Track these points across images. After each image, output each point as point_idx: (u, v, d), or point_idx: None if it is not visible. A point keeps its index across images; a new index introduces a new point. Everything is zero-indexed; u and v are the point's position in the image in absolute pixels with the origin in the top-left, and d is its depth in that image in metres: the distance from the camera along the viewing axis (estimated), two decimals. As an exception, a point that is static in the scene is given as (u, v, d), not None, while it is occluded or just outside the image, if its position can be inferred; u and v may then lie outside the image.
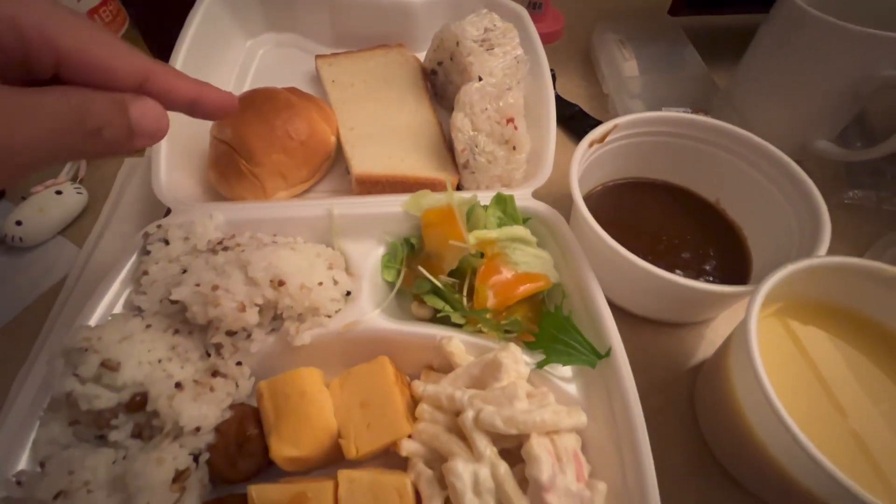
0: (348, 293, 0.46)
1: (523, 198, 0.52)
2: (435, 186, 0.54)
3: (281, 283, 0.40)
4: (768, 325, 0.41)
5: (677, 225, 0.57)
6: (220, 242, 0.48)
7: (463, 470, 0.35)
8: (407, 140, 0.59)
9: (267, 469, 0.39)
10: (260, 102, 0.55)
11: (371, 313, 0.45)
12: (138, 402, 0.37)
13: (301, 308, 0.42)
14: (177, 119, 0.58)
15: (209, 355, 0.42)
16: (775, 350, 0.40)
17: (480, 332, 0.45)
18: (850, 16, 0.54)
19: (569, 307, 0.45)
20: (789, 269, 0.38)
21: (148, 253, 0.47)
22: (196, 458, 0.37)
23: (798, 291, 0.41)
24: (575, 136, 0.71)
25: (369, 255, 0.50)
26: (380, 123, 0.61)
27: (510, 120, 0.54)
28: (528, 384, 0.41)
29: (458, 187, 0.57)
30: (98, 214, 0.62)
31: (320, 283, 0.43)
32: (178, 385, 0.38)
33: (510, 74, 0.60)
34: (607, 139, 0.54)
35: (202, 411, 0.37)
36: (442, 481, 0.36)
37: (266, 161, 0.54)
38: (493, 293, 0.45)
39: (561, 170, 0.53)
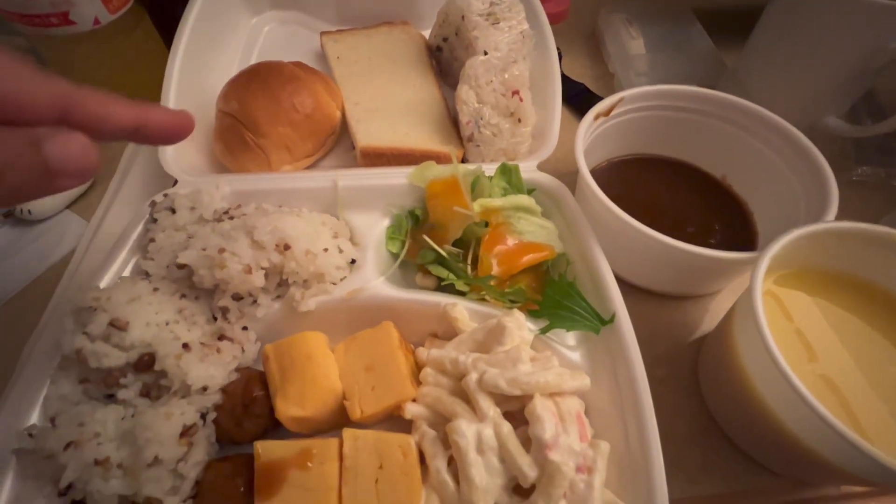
0: (353, 261, 0.47)
1: (528, 170, 0.52)
2: (440, 159, 0.54)
3: (286, 248, 0.40)
4: (773, 291, 0.41)
5: (683, 201, 0.57)
6: (226, 212, 0.48)
7: (466, 429, 0.35)
8: (412, 115, 0.59)
9: (273, 431, 0.40)
10: (265, 75, 0.55)
11: (376, 280, 0.45)
12: (146, 362, 0.37)
13: (306, 274, 0.42)
14: (182, 92, 0.59)
15: (216, 319, 0.42)
16: (780, 316, 0.40)
17: (484, 300, 0.45)
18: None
19: (573, 274, 0.45)
20: (795, 233, 0.38)
21: (155, 221, 0.47)
22: (203, 417, 0.37)
23: (803, 258, 0.41)
24: (580, 114, 0.70)
25: (374, 227, 0.50)
26: (385, 99, 0.61)
27: (515, 92, 0.54)
28: (532, 350, 0.41)
29: (463, 161, 0.57)
30: (105, 189, 0.62)
31: (325, 250, 0.43)
32: (186, 346, 0.38)
33: (516, 49, 0.60)
34: (613, 112, 0.54)
35: (209, 371, 0.38)
36: (445, 442, 0.37)
37: (271, 133, 0.54)
38: (498, 262, 0.45)
39: (566, 147, 0.53)
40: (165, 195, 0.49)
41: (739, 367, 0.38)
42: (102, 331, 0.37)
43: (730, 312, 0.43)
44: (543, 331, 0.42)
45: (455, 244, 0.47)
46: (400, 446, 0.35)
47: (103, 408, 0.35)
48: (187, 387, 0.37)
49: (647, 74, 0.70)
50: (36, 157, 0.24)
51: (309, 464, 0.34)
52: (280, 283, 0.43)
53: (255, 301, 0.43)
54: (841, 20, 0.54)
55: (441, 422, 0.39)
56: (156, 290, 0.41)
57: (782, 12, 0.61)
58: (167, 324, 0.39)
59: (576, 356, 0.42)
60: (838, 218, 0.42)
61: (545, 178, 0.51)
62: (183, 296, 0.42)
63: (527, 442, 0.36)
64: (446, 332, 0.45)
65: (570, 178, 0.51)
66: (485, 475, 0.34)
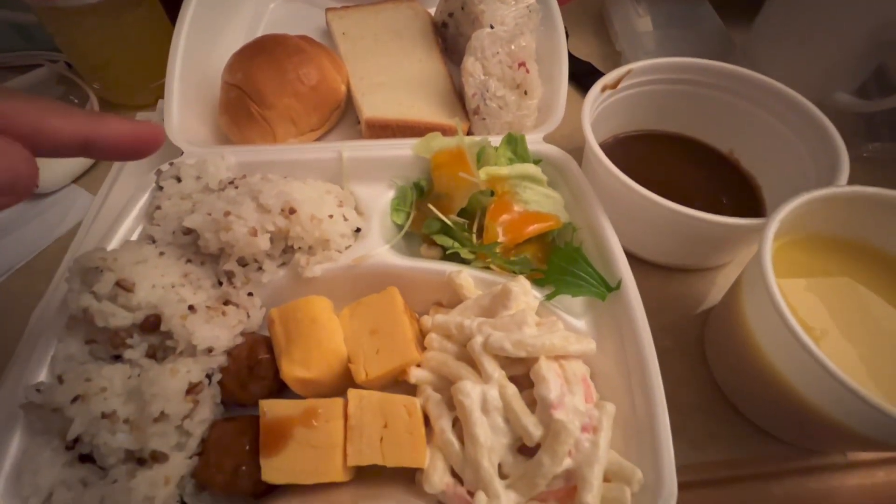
0: (358, 230, 0.47)
1: (534, 141, 0.51)
2: (445, 132, 0.54)
3: (292, 211, 0.40)
4: (781, 255, 0.40)
5: (689, 175, 0.57)
6: (232, 182, 0.48)
7: (471, 389, 0.35)
8: (417, 89, 0.59)
9: (278, 394, 0.40)
10: (271, 47, 0.55)
11: (381, 248, 0.45)
12: (152, 323, 0.37)
13: (311, 239, 0.42)
14: (187, 67, 0.59)
15: (221, 284, 0.42)
16: (787, 280, 0.39)
17: (489, 268, 0.45)
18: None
19: (579, 241, 0.45)
20: (805, 197, 0.37)
21: (160, 189, 0.47)
22: (209, 377, 0.37)
23: (812, 224, 0.40)
24: (586, 92, 0.70)
25: (379, 198, 0.50)
26: (390, 73, 0.61)
27: (521, 64, 0.53)
28: (537, 317, 0.41)
29: (469, 133, 0.57)
30: (111, 164, 0.62)
31: (330, 217, 0.43)
32: (191, 308, 0.38)
33: (522, 23, 0.59)
34: (620, 85, 0.54)
35: (214, 332, 0.38)
36: (450, 404, 0.37)
37: (277, 104, 0.54)
38: (503, 231, 0.45)
39: (572, 124, 0.52)
40: (171, 164, 0.49)
41: (747, 332, 0.38)
42: (109, 291, 0.37)
43: (738, 279, 0.43)
44: (549, 297, 0.42)
45: (460, 214, 0.47)
46: (405, 406, 0.35)
47: (110, 366, 0.36)
48: (193, 347, 0.37)
49: (654, 52, 0.69)
50: None
51: (314, 422, 0.34)
52: (285, 249, 0.43)
53: (260, 267, 0.43)
54: (852, -5, 0.53)
55: (446, 386, 0.39)
56: (162, 254, 0.41)
57: (793, -12, 0.60)
58: (173, 286, 0.39)
59: (581, 324, 0.42)
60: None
61: (551, 150, 0.51)
62: (188, 261, 0.42)
63: (532, 404, 0.36)
64: (451, 300, 0.45)
65: (576, 154, 0.51)
66: (490, 434, 0.34)
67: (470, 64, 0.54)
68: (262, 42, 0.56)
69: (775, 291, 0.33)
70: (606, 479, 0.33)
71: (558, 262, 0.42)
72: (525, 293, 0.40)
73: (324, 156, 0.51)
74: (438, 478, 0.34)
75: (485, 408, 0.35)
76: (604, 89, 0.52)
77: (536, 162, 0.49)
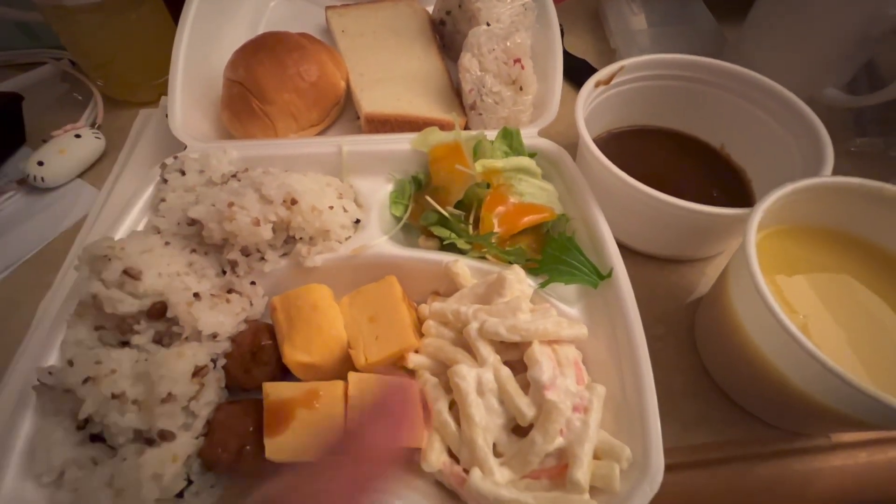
0: (357, 221, 0.48)
1: (529, 135, 0.53)
2: (443, 127, 0.55)
3: (294, 202, 0.42)
4: (768, 245, 0.41)
5: (682, 170, 0.58)
6: (234, 175, 0.50)
7: (467, 372, 0.36)
8: (416, 85, 0.60)
9: (281, 379, 0.41)
10: (272, 43, 0.56)
11: (380, 239, 0.47)
12: (158, 310, 0.39)
13: (312, 230, 0.44)
14: (190, 65, 0.60)
15: (224, 273, 0.44)
16: (774, 269, 0.40)
17: (485, 258, 0.46)
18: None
19: (572, 231, 0.47)
20: (790, 187, 0.39)
21: (165, 182, 0.49)
22: (214, 362, 0.39)
23: (798, 214, 0.41)
24: (581, 88, 0.71)
25: (378, 191, 0.52)
26: (389, 70, 0.62)
27: (517, 60, 0.55)
28: (531, 304, 0.42)
29: (466, 128, 0.58)
30: (115, 159, 0.64)
31: (331, 208, 0.45)
32: (196, 295, 0.40)
33: (518, 20, 0.61)
34: (613, 81, 0.55)
35: (218, 319, 0.39)
36: (447, 388, 0.38)
37: (278, 100, 0.55)
38: (499, 222, 0.46)
39: (566, 121, 0.54)
40: (176, 157, 0.50)
41: (734, 318, 0.39)
42: (116, 278, 0.38)
43: (726, 268, 0.44)
44: (542, 285, 0.43)
45: (457, 207, 0.48)
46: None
47: (118, 350, 0.37)
48: (198, 333, 0.38)
49: (648, 49, 0.71)
50: None
51: (316, 403, 0.35)
52: (287, 240, 0.45)
53: (262, 257, 0.44)
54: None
55: (443, 371, 0.40)
56: (167, 244, 0.43)
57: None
58: (178, 275, 0.41)
59: (574, 311, 0.43)
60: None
61: (546, 143, 0.52)
62: (193, 251, 0.44)
63: (525, 387, 0.37)
64: (448, 290, 0.46)
65: (570, 148, 0.52)
66: (484, 415, 0.35)
67: (467, 60, 0.55)
68: (264, 39, 0.57)
69: (758, 277, 0.34)
70: (597, 457, 0.34)
71: (552, 252, 0.44)
72: (519, 281, 0.42)
73: (324, 150, 0.52)
74: (436, 457, 0.35)
75: (480, 390, 0.36)
76: (597, 85, 0.54)
77: (531, 155, 0.51)
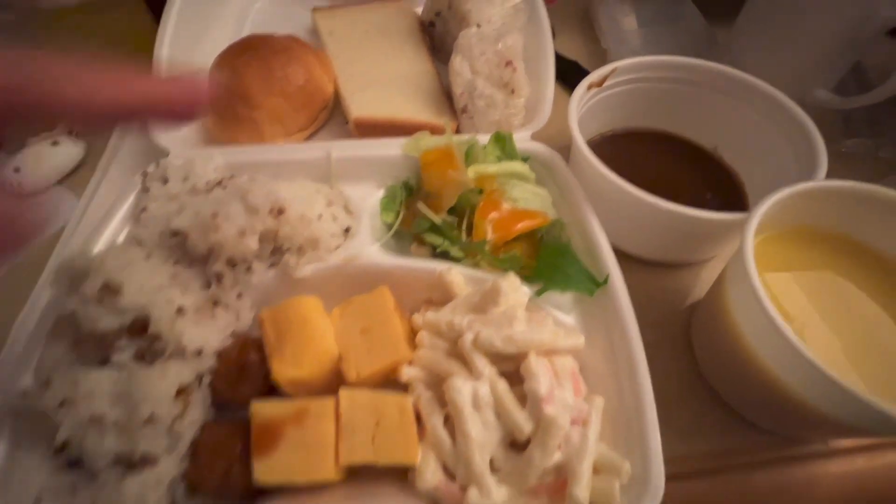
0: (348, 229, 0.47)
1: (522, 139, 0.52)
2: (434, 131, 0.54)
3: (281, 211, 0.40)
4: (764, 249, 0.41)
5: (675, 173, 0.58)
6: (220, 183, 0.48)
7: (462, 385, 0.35)
8: (406, 88, 0.59)
9: (269, 395, 0.40)
10: (258, 45, 0.55)
11: (371, 247, 0.45)
12: (140, 326, 0.37)
13: (301, 239, 0.42)
14: (173, 64, 0.58)
15: (210, 286, 0.42)
16: (770, 274, 0.40)
17: (479, 266, 0.45)
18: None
19: (567, 238, 0.46)
20: (785, 192, 0.38)
21: (147, 191, 0.47)
22: (199, 379, 0.37)
23: (794, 217, 0.41)
24: (573, 90, 0.70)
25: (368, 198, 0.50)
26: (378, 73, 0.61)
27: (509, 62, 0.54)
28: (527, 312, 0.42)
29: (457, 132, 0.57)
30: (95, 166, 0.61)
31: (320, 216, 0.43)
32: (180, 309, 0.38)
33: (509, 22, 0.60)
34: (606, 83, 0.54)
35: (203, 334, 0.38)
36: (442, 402, 0.37)
37: (264, 104, 0.54)
38: (492, 228, 0.45)
39: (559, 124, 0.53)
40: (158, 164, 0.48)
41: (731, 324, 0.39)
42: (96, 294, 0.36)
43: (722, 273, 0.44)
44: (538, 293, 0.42)
45: (450, 213, 0.47)
46: (396, 404, 0.35)
47: (98, 370, 0.35)
48: (182, 349, 0.37)
49: (639, 50, 0.70)
50: None
51: (306, 422, 0.34)
52: (274, 250, 0.43)
53: (249, 268, 0.43)
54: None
55: (437, 383, 0.39)
56: (149, 256, 0.41)
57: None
58: (161, 288, 0.39)
59: (570, 319, 0.42)
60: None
61: (539, 147, 0.51)
62: (177, 262, 0.42)
63: (522, 400, 0.36)
64: (441, 298, 0.45)
65: (563, 151, 0.52)
66: (481, 430, 0.34)
67: (457, 63, 0.54)
68: (249, 41, 0.56)
69: (756, 282, 0.34)
70: (596, 472, 0.34)
71: (547, 259, 0.43)
72: (514, 290, 0.41)
73: (312, 155, 0.51)
74: (431, 474, 0.34)
75: (476, 404, 0.35)
76: (590, 87, 0.53)
77: (524, 160, 0.50)
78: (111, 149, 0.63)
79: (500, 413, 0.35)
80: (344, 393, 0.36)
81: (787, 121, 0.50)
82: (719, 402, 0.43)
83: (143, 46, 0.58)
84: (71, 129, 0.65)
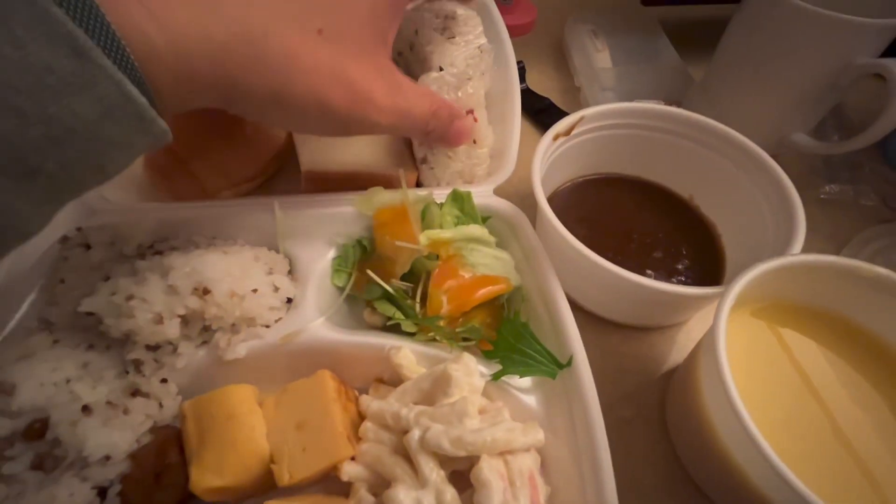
0: (289, 300, 0.42)
1: (484, 194, 0.48)
2: (391, 182, 0.50)
3: (205, 292, 0.36)
4: (740, 327, 0.38)
5: (649, 223, 0.55)
6: (151, 246, 0.43)
7: (405, 497, 0.31)
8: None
9: (191, 502, 0.35)
10: (198, 93, 0.51)
11: (315, 322, 0.41)
12: (37, 430, 0.32)
13: (232, 318, 0.38)
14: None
15: (128, 373, 0.37)
16: (747, 354, 0.37)
17: (434, 340, 0.41)
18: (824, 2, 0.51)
19: (528, 313, 0.42)
20: (760, 268, 0.35)
21: (66, 259, 0.42)
22: (104, 493, 0.32)
23: (772, 292, 0.38)
24: (545, 130, 0.67)
25: (318, 259, 0.46)
26: (335, 117, 0.57)
27: (469, 111, 0.50)
28: (483, 397, 0.38)
29: (418, 184, 0.54)
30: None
31: (255, 291, 0.39)
32: (86, 408, 0.33)
33: (473, 65, 0.56)
34: (574, 132, 0.51)
35: (112, 438, 0.33)
36: (385, 510, 0.33)
37: (206, 155, 0.50)
38: (448, 298, 0.41)
39: (528, 167, 0.49)
40: (79, 229, 0.44)
41: (703, 409, 0.36)
42: (-17, 396, 0.32)
43: (695, 348, 0.40)
44: (495, 376, 0.38)
45: (405, 277, 0.44)
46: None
47: (-20, 489, 0.30)
48: (84, 458, 0.32)
49: (613, 89, 0.68)
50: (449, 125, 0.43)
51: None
52: (205, 327, 0.39)
53: (175, 349, 0.38)
54: (806, 34, 0.52)
55: (382, 483, 0.35)
56: (56, 342, 0.36)
57: (746, 23, 0.59)
58: (67, 381, 0.34)
59: (531, 400, 0.39)
60: (808, 241, 0.40)
61: (501, 204, 0.48)
62: (91, 346, 0.37)
63: (474, 507, 0.32)
64: (392, 377, 0.41)
65: (532, 199, 0.48)
66: (424, 552, 0.30)
67: (415, 112, 0.50)
68: (191, 87, 0.52)
69: (727, 377, 0.30)
70: None
71: (506, 337, 0.39)
72: (469, 374, 0.37)
73: (257, 212, 0.47)
74: None
75: (419, 520, 0.31)
76: (556, 138, 0.50)
77: (485, 219, 0.46)
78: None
79: (447, 531, 0.31)
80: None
81: (760, 172, 0.48)
82: (699, 492, 0.40)
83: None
84: None
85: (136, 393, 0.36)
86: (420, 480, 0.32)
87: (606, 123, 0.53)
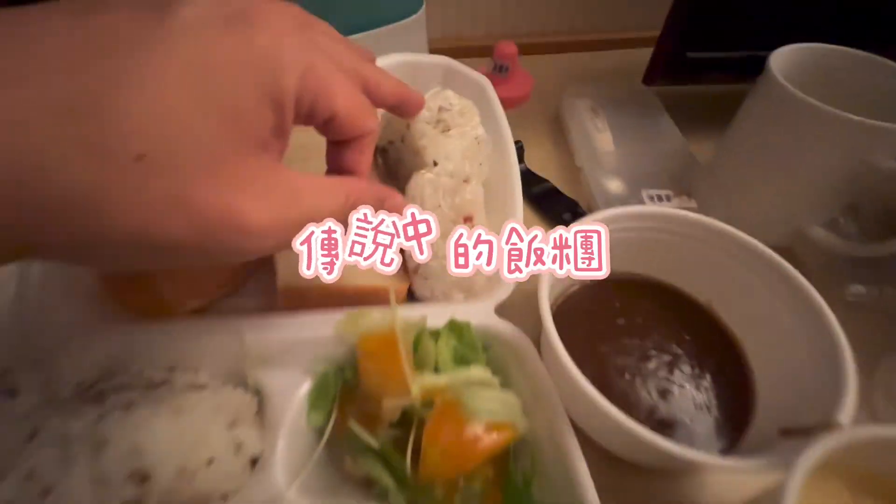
0: (255, 460, 0.35)
1: (484, 314, 0.43)
2: (379, 296, 0.44)
3: (145, 479, 0.29)
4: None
5: (667, 334, 0.49)
6: (93, 385, 0.37)
7: None
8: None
9: None
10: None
11: (286, 491, 0.34)
12: None
13: (179, 501, 0.31)
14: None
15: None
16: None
17: (428, 512, 0.34)
18: (840, 93, 0.49)
19: (536, 465, 0.36)
20: (820, 448, 0.29)
21: (-16, 411, 0.35)
22: None
23: (832, 462, 0.32)
24: (547, 216, 0.63)
25: (293, 392, 0.40)
26: (318, 212, 0.52)
27: (468, 219, 0.45)
28: None
29: (410, 293, 0.48)
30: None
31: (210, 461, 0.32)
32: None
33: (470, 157, 0.52)
34: (582, 238, 0.46)
35: None
36: None
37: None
38: (445, 457, 0.35)
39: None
40: (5, 372, 0.37)
41: None
42: None
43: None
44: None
45: (394, 425, 0.37)
46: None
47: None
48: None
49: (616, 172, 0.64)
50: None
51: None
52: (144, 512, 0.32)
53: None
54: (823, 136, 0.49)
55: None
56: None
57: (758, 116, 0.57)
58: None
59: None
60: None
61: (504, 328, 0.42)
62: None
63: None
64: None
65: (537, 312, 0.42)
66: None
67: (407, 218, 0.45)
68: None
69: None
70: None
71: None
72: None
73: (222, 337, 0.41)
74: None
75: None
76: (564, 249, 0.45)
77: (484, 349, 0.41)
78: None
79: None
80: None
81: (785, 287, 0.43)
82: None
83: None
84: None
85: None
86: None
87: (615, 227, 0.48)
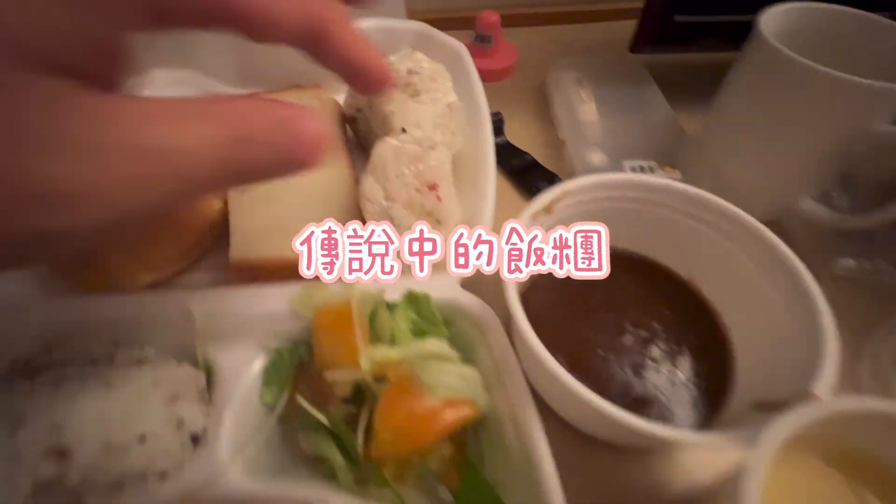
0: (196, 437, 0.33)
1: (448, 288, 0.40)
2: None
3: (63, 455, 0.27)
4: (801, 473, 0.30)
5: (645, 308, 0.47)
6: (29, 361, 0.35)
7: None
8: (311, 207, 0.47)
9: None
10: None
11: (228, 467, 0.32)
12: None
13: (106, 479, 0.29)
14: None
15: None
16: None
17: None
18: (833, 55, 0.46)
19: (496, 442, 0.34)
20: (789, 422, 0.27)
21: None
22: None
23: (806, 438, 0.30)
24: (527, 190, 0.60)
25: (245, 368, 0.38)
26: (281, 183, 0.49)
27: (433, 187, 0.43)
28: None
29: (373, 267, 0.46)
30: None
31: (142, 437, 0.30)
32: None
33: (442, 125, 0.49)
34: (555, 209, 0.44)
35: None
36: None
37: (114, 237, 0.41)
38: (398, 436, 0.33)
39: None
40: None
41: None
42: None
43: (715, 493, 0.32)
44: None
45: (348, 400, 0.35)
46: None
47: None
48: None
49: (600, 145, 0.61)
50: (281, 136, 0.22)
51: None
52: (70, 493, 0.30)
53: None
54: (817, 99, 0.46)
55: None
56: None
57: (747, 80, 0.53)
58: None
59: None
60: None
61: (469, 302, 0.40)
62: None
63: None
64: (326, 538, 0.32)
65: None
66: None
67: (368, 187, 0.43)
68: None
69: None
70: None
71: (468, 495, 0.31)
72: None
73: (170, 311, 0.38)
74: None
75: None
76: (535, 217, 0.42)
77: (448, 323, 0.38)
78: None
79: None
80: None
81: (767, 255, 0.41)
82: None
83: None
84: None
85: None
86: None
87: (591, 196, 0.46)
